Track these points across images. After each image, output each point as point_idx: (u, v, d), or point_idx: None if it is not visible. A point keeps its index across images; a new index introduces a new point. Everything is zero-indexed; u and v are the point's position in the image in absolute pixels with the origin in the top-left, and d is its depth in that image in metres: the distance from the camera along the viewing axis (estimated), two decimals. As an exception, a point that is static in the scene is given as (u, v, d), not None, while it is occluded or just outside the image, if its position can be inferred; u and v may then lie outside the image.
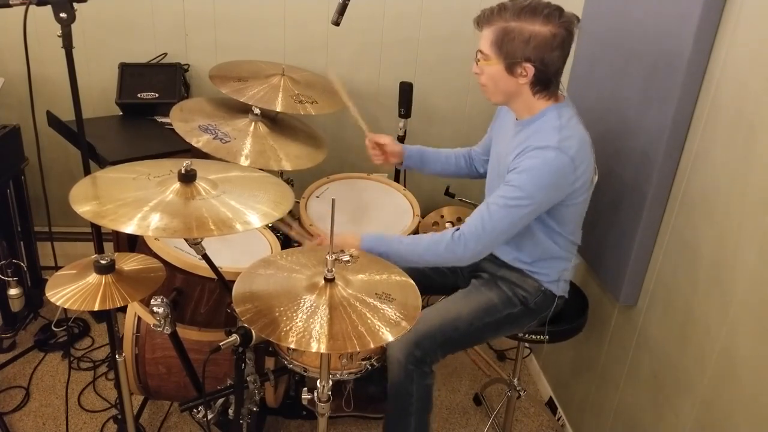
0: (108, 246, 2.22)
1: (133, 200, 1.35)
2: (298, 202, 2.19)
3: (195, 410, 1.72)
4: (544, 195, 1.58)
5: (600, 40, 1.95)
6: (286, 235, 1.92)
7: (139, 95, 2.51)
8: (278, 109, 2.16)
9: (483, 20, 1.58)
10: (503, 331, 1.81)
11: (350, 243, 1.67)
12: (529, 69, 1.55)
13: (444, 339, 1.70)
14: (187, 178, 1.42)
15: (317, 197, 2.28)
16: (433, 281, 1.92)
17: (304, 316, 1.29)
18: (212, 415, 1.73)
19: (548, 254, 1.74)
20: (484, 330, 1.75)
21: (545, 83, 1.59)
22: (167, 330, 1.54)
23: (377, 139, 2.00)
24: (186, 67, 2.64)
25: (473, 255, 1.65)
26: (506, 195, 1.58)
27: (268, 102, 2.15)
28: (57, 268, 1.55)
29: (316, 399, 1.48)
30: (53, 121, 2.32)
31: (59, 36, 1.60)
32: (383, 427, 1.83)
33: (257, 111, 2.16)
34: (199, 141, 2.01)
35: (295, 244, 1.88)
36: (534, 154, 1.56)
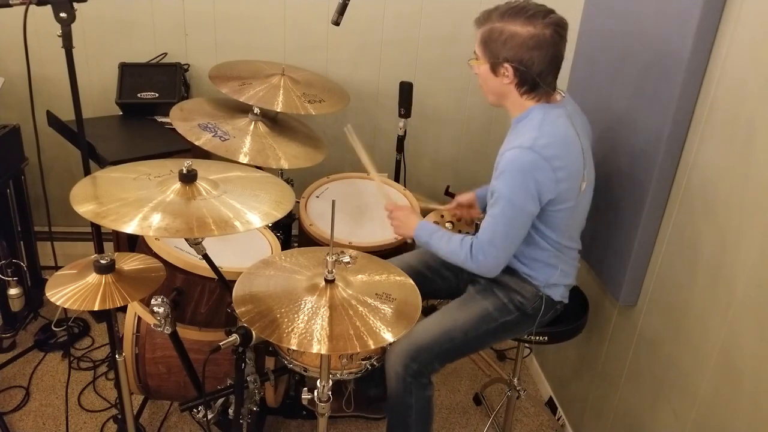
0: (108, 246, 2.22)
1: (135, 200, 1.35)
2: (298, 202, 2.19)
3: (195, 410, 1.72)
4: (521, 196, 1.54)
5: (600, 40, 1.95)
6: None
7: (139, 95, 2.51)
8: (279, 109, 2.15)
9: (478, 20, 1.59)
10: (500, 338, 1.80)
11: (408, 224, 1.80)
12: (509, 69, 1.55)
13: (440, 350, 1.68)
14: (188, 178, 1.42)
15: (317, 197, 2.28)
16: (434, 284, 1.91)
17: (305, 317, 1.29)
18: (212, 415, 1.73)
19: (537, 254, 1.71)
20: (480, 339, 1.74)
21: (531, 84, 1.57)
22: (167, 330, 1.54)
23: (460, 200, 2.02)
24: (186, 67, 2.64)
25: (487, 268, 1.64)
26: (492, 203, 1.59)
27: (269, 101, 2.15)
28: (57, 268, 1.55)
29: (316, 399, 1.48)
30: (53, 121, 2.32)
31: (59, 36, 1.60)
32: None
33: (257, 111, 2.16)
34: (198, 139, 2.01)
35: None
36: (505, 156, 1.56)
